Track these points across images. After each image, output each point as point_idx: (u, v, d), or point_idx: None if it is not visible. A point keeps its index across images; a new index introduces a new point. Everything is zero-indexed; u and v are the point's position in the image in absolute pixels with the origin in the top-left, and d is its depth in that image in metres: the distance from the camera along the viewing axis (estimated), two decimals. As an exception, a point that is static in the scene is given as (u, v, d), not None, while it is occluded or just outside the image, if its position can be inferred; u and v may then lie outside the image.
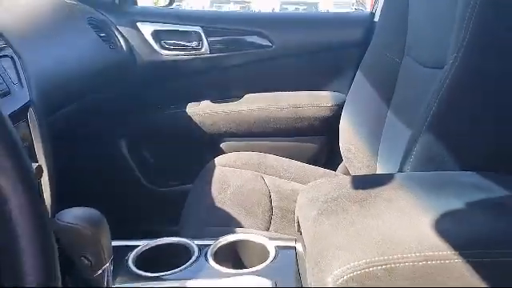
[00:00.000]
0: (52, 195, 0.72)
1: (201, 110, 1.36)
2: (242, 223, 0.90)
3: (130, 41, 1.35)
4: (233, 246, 0.70)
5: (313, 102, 1.34)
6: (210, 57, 1.39)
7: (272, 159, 1.19)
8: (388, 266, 0.46)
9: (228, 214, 0.93)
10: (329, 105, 1.33)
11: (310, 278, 0.52)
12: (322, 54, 1.40)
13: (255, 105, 1.34)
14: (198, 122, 1.36)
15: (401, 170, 0.75)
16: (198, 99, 1.39)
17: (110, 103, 1.31)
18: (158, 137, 1.43)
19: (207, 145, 1.38)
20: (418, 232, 0.50)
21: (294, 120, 1.34)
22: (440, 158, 0.70)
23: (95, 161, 1.36)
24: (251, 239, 0.71)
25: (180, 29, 1.39)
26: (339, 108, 1.27)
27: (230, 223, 0.89)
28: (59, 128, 0.81)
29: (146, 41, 1.37)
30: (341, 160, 1.22)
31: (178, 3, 1.97)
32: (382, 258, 0.47)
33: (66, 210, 0.53)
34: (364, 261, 0.47)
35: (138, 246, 0.69)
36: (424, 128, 0.70)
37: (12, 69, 0.71)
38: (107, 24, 1.31)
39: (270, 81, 1.41)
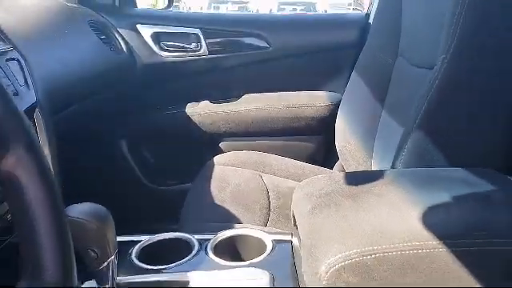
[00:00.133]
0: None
1: (200, 110, 1.38)
2: (241, 220, 0.92)
3: (129, 43, 1.37)
4: (232, 240, 0.73)
5: (310, 102, 1.36)
6: (208, 58, 1.41)
7: (270, 158, 1.22)
8: (378, 255, 0.49)
9: (227, 211, 0.95)
10: (325, 104, 1.36)
11: (304, 268, 0.55)
12: (318, 55, 1.42)
13: (253, 105, 1.37)
14: (197, 122, 1.38)
15: (393, 167, 0.78)
16: (197, 100, 1.42)
17: (111, 104, 1.33)
18: (158, 137, 1.45)
19: (206, 144, 1.40)
20: (407, 224, 0.53)
21: (292, 120, 1.36)
22: (431, 156, 0.73)
23: (96, 161, 1.38)
24: (249, 233, 0.73)
25: (179, 31, 1.41)
26: (335, 107, 1.29)
27: (229, 220, 0.92)
28: (61, 129, 0.83)
29: (145, 43, 1.39)
30: (337, 158, 1.24)
31: (176, 3, 1.99)
32: (372, 247, 0.50)
33: (73, 206, 0.56)
34: (355, 251, 0.50)
35: (141, 240, 0.72)
36: (414, 126, 0.73)
37: (19, 71, 0.74)
38: (108, 26, 1.33)
39: (267, 81, 1.44)
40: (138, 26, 1.39)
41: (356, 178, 0.67)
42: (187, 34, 1.41)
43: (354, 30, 1.41)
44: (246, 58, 1.43)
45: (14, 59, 0.75)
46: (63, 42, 1.05)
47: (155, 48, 1.40)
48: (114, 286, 0.60)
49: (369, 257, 0.49)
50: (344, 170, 1.20)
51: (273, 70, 1.43)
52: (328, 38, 1.43)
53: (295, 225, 0.65)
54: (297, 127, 1.37)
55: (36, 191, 0.31)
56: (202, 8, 12.28)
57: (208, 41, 1.40)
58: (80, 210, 0.54)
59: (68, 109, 1.01)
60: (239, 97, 1.41)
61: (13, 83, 0.70)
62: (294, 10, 12.48)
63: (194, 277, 0.63)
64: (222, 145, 1.41)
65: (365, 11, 1.51)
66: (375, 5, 1.33)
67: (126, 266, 0.67)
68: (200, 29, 1.40)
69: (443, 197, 0.57)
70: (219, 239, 0.72)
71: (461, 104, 0.72)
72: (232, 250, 0.72)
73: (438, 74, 0.71)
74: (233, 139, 1.40)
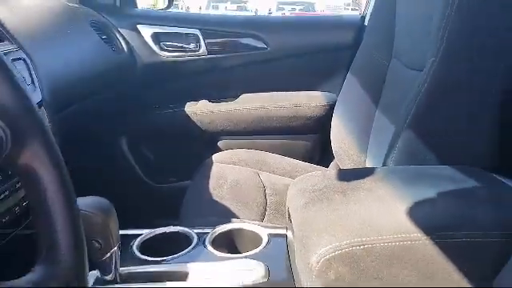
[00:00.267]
0: None
1: (199, 110, 1.41)
2: (238, 216, 0.95)
3: (130, 43, 1.40)
4: (229, 233, 0.76)
5: (306, 102, 1.39)
6: (207, 58, 1.44)
7: (267, 156, 1.25)
8: (366, 246, 0.52)
9: (225, 207, 0.98)
10: (321, 104, 1.38)
11: (297, 258, 0.58)
12: (314, 56, 1.45)
13: (251, 104, 1.40)
14: (196, 121, 1.40)
15: (385, 165, 0.81)
16: (196, 99, 1.44)
17: (111, 103, 1.35)
18: (158, 136, 1.47)
19: (205, 143, 1.43)
20: (395, 217, 0.56)
21: (289, 119, 1.39)
22: (423, 156, 0.76)
23: (97, 160, 1.40)
24: (246, 227, 0.77)
25: (179, 31, 1.44)
26: (331, 107, 1.32)
27: (226, 215, 0.95)
28: (62, 128, 0.85)
29: (145, 43, 1.42)
30: (333, 157, 1.27)
31: (175, 2, 2.02)
32: (361, 239, 0.53)
33: (77, 198, 0.59)
34: (345, 242, 0.53)
35: (142, 234, 0.75)
36: (405, 126, 0.76)
37: (25, 70, 0.76)
38: (109, 26, 1.35)
39: (265, 81, 1.47)
40: (139, 26, 1.42)
41: (348, 175, 0.70)
42: (187, 35, 1.44)
43: (350, 32, 1.44)
44: (244, 59, 1.46)
45: (20, 59, 0.78)
46: (66, 42, 1.07)
47: (155, 48, 1.42)
48: (117, 276, 0.63)
49: (358, 248, 0.52)
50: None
51: (270, 70, 1.46)
52: (324, 39, 1.46)
53: (289, 219, 0.68)
54: (294, 126, 1.40)
55: (51, 182, 0.34)
56: (200, 8, 12.29)
57: (207, 41, 1.43)
58: (84, 203, 0.57)
59: (68, 108, 1.03)
60: (237, 96, 1.44)
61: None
62: (293, 9, 12.49)
63: (192, 268, 0.66)
64: (220, 143, 1.43)
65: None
66: (371, 6, 1.36)
67: (127, 257, 0.69)
68: (199, 29, 1.43)
69: (429, 192, 0.60)
70: (217, 233, 0.75)
71: (456, 105, 0.73)
72: (229, 243, 0.75)
73: (427, 77, 0.73)
74: (231, 138, 1.43)
